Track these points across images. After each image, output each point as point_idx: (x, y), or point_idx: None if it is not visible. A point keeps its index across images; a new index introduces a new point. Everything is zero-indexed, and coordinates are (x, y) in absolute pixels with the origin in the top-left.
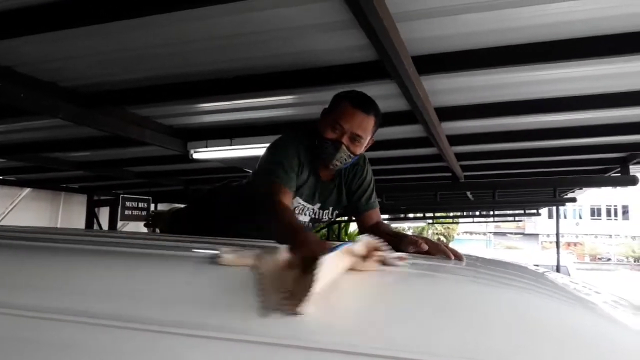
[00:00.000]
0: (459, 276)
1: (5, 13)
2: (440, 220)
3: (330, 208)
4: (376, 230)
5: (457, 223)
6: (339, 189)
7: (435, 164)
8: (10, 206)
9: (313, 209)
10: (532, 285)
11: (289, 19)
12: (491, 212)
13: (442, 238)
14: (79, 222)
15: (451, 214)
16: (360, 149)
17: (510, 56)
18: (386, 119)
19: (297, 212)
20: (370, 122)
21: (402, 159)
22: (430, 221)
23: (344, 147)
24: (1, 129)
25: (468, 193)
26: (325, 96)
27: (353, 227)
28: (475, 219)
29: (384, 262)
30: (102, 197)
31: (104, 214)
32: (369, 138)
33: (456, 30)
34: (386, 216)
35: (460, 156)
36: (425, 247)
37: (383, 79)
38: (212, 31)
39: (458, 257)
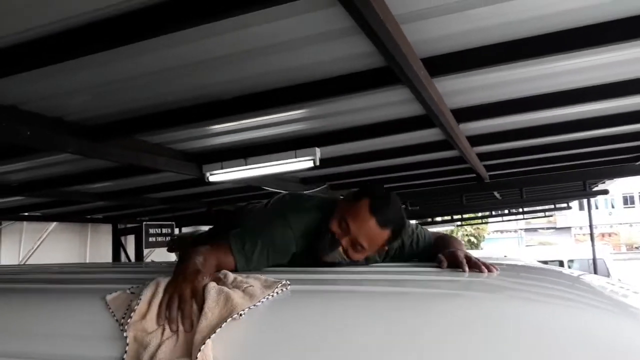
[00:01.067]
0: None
1: (3, 50)
2: (470, 221)
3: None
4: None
5: (487, 223)
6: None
7: (458, 166)
8: (38, 241)
9: None
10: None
11: (289, 30)
12: (520, 210)
13: (472, 239)
14: (107, 252)
15: (480, 215)
16: (360, 257)
17: (524, 49)
18: (402, 125)
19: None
20: (381, 236)
21: (423, 164)
22: (459, 223)
23: (340, 249)
24: (18, 167)
25: (495, 192)
26: (336, 107)
27: None
28: (505, 218)
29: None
30: (127, 225)
31: (130, 242)
32: (377, 251)
33: (464, 27)
34: (414, 222)
35: (483, 156)
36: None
37: (394, 85)
38: (214, 51)
39: (489, 269)
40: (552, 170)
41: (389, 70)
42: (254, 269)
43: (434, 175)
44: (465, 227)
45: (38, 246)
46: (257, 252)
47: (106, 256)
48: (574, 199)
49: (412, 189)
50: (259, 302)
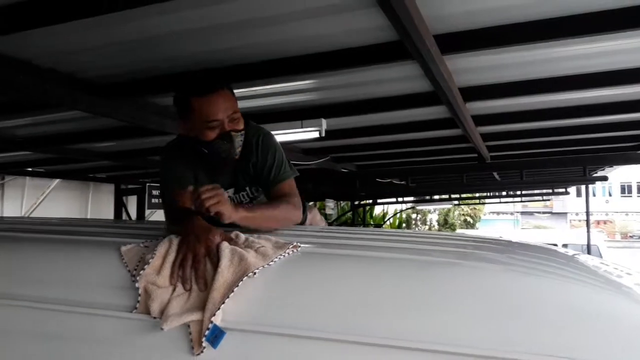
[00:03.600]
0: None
1: (20, 4)
2: (467, 201)
3: (247, 188)
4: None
5: (484, 204)
6: (240, 170)
7: (461, 145)
8: (41, 197)
9: (229, 197)
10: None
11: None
12: (518, 192)
13: (468, 219)
14: (108, 211)
15: (477, 195)
16: (241, 122)
17: (537, 32)
18: (408, 101)
19: None
20: (229, 95)
21: (426, 141)
22: (457, 202)
23: (233, 134)
24: (24, 122)
25: (495, 173)
26: (346, 79)
27: (378, 209)
28: (502, 199)
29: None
30: (129, 186)
31: (132, 203)
32: (238, 108)
33: (479, 5)
34: (411, 198)
35: (486, 137)
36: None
37: (405, 60)
38: (227, 16)
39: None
40: (554, 155)
41: (401, 45)
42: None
43: (437, 153)
44: (462, 206)
45: (41, 202)
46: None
47: (107, 215)
48: (573, 184)
49: (414, 165)
50: (272, 261)
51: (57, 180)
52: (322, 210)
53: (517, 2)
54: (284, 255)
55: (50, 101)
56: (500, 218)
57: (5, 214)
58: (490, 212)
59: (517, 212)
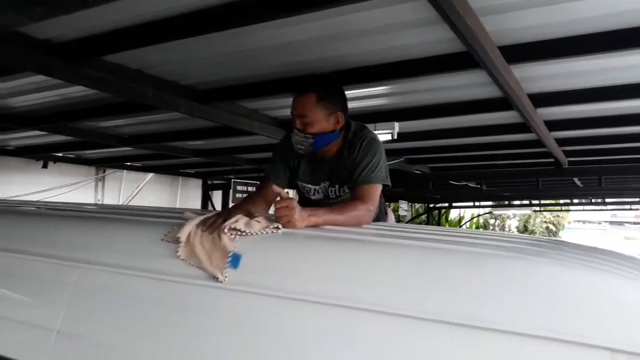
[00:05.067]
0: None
1: (134, 27)
2: (549, 208)
3: (337, 185)
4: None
5: (567, 211)
6: (339, 167)
7: (536, 149)
8: (136, 189)
9: (319, 188)
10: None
11: (379, 18)
12: (606, 200)
13: (550, 226)
14: (195, 204)
15: (561, 202)
16: (316, 126)
17: (606, 42)
18: (479, 106)
19: (306, 193)
20: (308, 99)
21: (500, 145)
22: (537, 209)
23: (295, 131)
24: (130, 122)
25: (576, 179)
26: (416, 85)
27: (454, 213)
28: (587, 207)
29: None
30: (215, 182)
31: (217, 197)
32: (322, 113)
33: (541, 20)
34: (489, 203)
35: (561, 142)
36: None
37: (473, 69)
38: (312, 32)
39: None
40: (635, 161)
41: (468, 55)
42: (276, 178)
43: (511, 156)
44: (544, 213)
45: (136, 193)
46: (272, 167)
47: (193, 207)
48: None
49: (488, 168)
50: (260, 232)
51: (150, 174)
52: (395, 211)
53: (573, 17)
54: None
55: (156, 104)
56: (586, 227)
57: (105, 202)
58: (576, 221)
59: (605, 221)
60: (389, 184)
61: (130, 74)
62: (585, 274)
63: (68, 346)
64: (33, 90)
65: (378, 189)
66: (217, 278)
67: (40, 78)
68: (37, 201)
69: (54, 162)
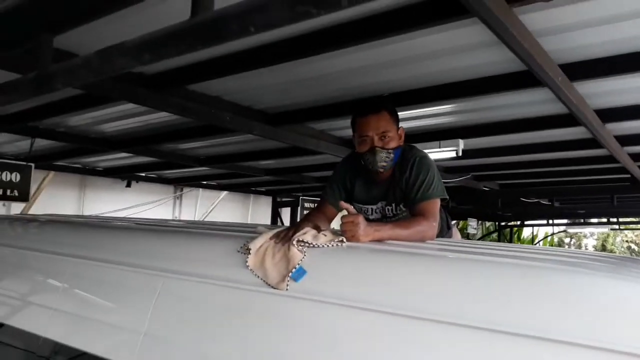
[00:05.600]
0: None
1: (214, 60)
2: (630, 226)
3: (394, 204)
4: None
5: None
6: (393, 186)
7: (610, 165)
8: (211, 207)
9: (376, 208)
10: None
11: (441, 42)
12: None
13: (632, 246)
14: (265, 220)
15: None
16: (394, 142)
17: None
18: (545, 122)
19: (364, 214)
20: (384, 116)
21: (571, 161)
22: (617, 227)
23: (377, 149)
24: (207, 144)
25: None
26: (480, 104)
27: (526, 232)
28: None
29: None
30: (284, 199)
31: (285, 214)
32: (395, 129)
33: (602, 38)
34: (564, 221)
35: (638, 157)
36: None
37: (536, 87)
38: (376, 58)
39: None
40: None
41: (530, 74)
42: (332, 198)
43: (583, 172)
44: (626, 232)
45: (211, 210)
46: (328, 188)
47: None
48: None
49: (559, 185)
50: (326, 245)
51: (224, 192)
52: (464, 230)
53: (633, 34)
54: (341, 242)
55: (233, 128)
56: None
57: (182, 218)
58: None
59: None
60: (447, 197)
61: (210, 100)
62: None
63: (153, 347)
64: (121, 117)
65: (437, 204)
66: (279, 287)
67: (129, 106)
68: (124, 217)
69: (137, 182)
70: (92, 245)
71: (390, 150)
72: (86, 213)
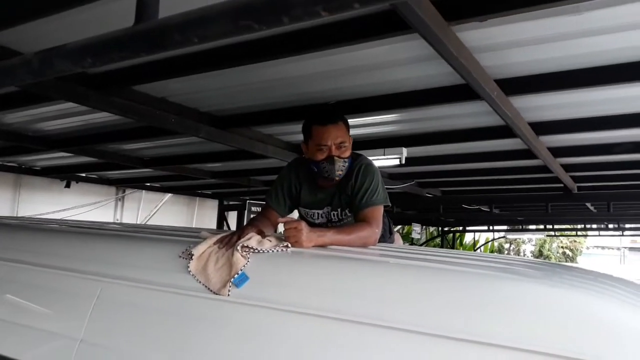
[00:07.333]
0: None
1: (160, 62)
2: (565, 233)
3: (339, 209)
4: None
5: (583, 236)
6: (339, 192)
7: (544, 175)
8: (154, 209)
9: (322, 213)
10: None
11: (382, 54)
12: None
13: (567, 252)
14: (211, 224)
15: (579, 227)
16: (348, 151)
17: (595, 77)
18: (484, 133)
19: (309, 218)
20: (341, 127)
21: (508, 170)
22: (552, 233)
23: (336, 158)
24: (151, 145)
25: (588, 205)
26: (424, 114)
27: (468, 237)
28: (602, 233)
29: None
30: (230, 202)
31: (232, 217)
32: (349, 139)
33: (536, 56)
34: (504, 227)
35: (570, 167)
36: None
37: (474, 99)
38: (322, 67)
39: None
40: None
41: (468, 87)
42: (275, 204)
43: (519, 181)
44: (561, 238)
45: (154, 213)
46: (273, 193)
47: (209, 227)
48: None
49: (498, 192)
50: (271, 250)
51: (168, 195)
52: (409, 234)
53: (562, 54)
54: (286, 247)
55: (178, 130)
56: (604, 253)
57: (124, 221)
58: (594, 247)
59: (625, 247)
60: (389, 204)
61: (155, 101)
62: (556, 291)
63: (89, 355)
64: (62, 115)
65: (380, 210)
66: (221, 293)
67: (70, 104)
68: (61, 219)
69: (77, 182)
70: (26, 249)
71: (346, 159)
72: (21, 214)
